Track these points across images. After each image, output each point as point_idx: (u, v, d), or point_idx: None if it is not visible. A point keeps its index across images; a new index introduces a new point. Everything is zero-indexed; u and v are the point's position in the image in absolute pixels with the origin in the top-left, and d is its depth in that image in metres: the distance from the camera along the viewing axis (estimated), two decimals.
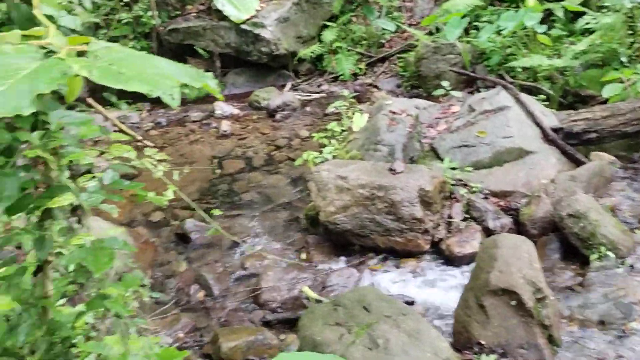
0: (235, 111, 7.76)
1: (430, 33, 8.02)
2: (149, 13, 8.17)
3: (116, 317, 1.97)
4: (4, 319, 2.20)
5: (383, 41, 8.81)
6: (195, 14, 8.54)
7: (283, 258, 4.61)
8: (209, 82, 1.26)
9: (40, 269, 2.23)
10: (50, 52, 1.16)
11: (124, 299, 2.05)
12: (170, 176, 2.41)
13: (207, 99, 8.31)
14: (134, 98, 8.02)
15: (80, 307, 3.09)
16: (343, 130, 6.42)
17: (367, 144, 5.70)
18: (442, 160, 5.14)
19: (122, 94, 8.04)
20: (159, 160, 1.91)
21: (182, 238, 5.10)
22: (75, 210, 2.19)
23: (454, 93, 6.50)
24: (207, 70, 6.57)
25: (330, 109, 7.30)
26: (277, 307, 4.16)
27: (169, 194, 1.86)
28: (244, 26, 8.11)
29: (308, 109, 7.77)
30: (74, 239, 1.82)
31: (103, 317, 2.08)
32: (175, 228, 5.24)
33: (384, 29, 8.65)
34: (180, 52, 8.35)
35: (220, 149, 6.93)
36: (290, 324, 3.97)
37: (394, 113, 5.93)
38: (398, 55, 8.41)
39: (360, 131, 6.09)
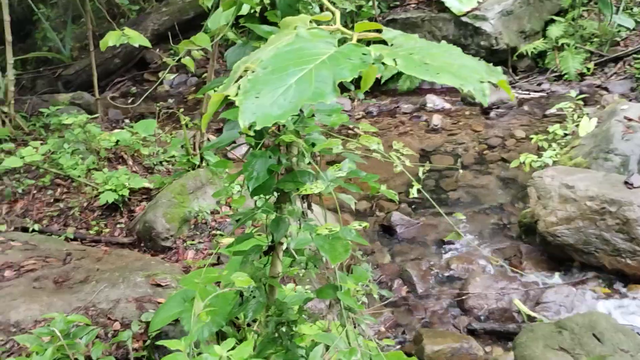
0: (447, 105, 7.55)
1: None
2: (370, 3, 8.25)
3: (347, 310, 1.93)
4: (237, 294, 2.28)
5: (618, 39, 7.96)
6: (414, 5, 8.46)
7: (494, 264, 4.36)
8: (502, 77, 1.12)
9: (271, 248, 2.28)
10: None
11: (355, 292, 2.01)
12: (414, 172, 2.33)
13: (419, 91, 8.21)
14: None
15: (295, 288, 3.18)
16: (565, 134, 5.91)
17: (596, 151, 5.17)
18: None
19: None
20: (404, 155, 1.82)
21: (387, 230, 5.07)
22: (306, 195, 2.20)
23: None
24: None
25: (552, 110, 6.80)
26: (483, 316, 3.94)
27: (414, 192, 1.76)
28: (464, 18, 7.86)
29: (525, 108, 7.30)
30: (320, 228, 1.80)
31: (330, 307, 2.07)
32: (381, 219, 5.22)
33: (620, 26, 7.81)
34: None
35: (429, 143, 6.78)
36: (498, 337, 3.73)
37: (630, 120, 5.31)
38: (635, 55, 7.54)
39: (587, 137, 5.54)
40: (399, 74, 8.15)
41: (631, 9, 8.02)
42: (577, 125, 5.81)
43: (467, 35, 7.93)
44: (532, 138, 6.11)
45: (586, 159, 5.18)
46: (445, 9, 8.03)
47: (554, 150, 5.61)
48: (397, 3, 8.60)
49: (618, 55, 7.77)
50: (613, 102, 6.51)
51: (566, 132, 5.89)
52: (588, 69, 7.72)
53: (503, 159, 6.21)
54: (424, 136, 6.99)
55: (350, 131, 7.23)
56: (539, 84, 7.79)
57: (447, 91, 8.05)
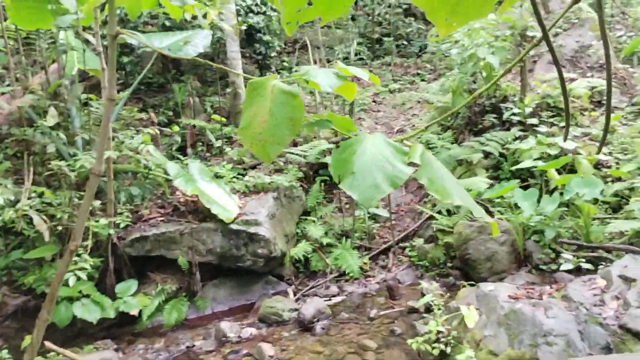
0: (253, 331, 5.90)
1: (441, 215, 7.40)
2: (102, 221, 6.01)
3: None
4: None
5: (374, 232, 7.87)
6: (162, 218, 6.64)
7: None
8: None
9: None
10: None
11: None
12: None
13: (187, 322, 6.28)
14: (82, 336, 5.69)
15: None
16: (439, 331, 5.20)
17: (526, 338, 4.58)
18: None
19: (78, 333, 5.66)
20: None
21: None
22: None
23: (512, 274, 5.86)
24: (181, 288, 6.33)
25: (374, 311, 6.07)
26: None
27: None
28: (233, 226, 6.56)
29: (345, 315, 6.24)
30: None
31: None
32: None
33: (370, 219, 7.90)
34: (143, 264, 6.32)
35: None
36: None
37: (516, 298, 5.06)
38: (400, 244, 7.53)
39: (483, 327, 4.93)
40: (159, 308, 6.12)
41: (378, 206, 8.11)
42: (446, 319, 5.20)
43: (239, 245, 6.59)
44: (409, 343, 5.14)
45: (520, 349, 4.58)
46: (208, 218, 6.56)
47: (466, 347, 4.82)
48: (129, 221, 6.53)
49: (387, 247, 7.58)
50: (433, 288, 6.18)
51: (448, 327, 5.20)
52: (365, 263, 7.28)
53: None
54: None
55: None
56: (327, 287, 6.92)
57: (222, 315, 6.37)
